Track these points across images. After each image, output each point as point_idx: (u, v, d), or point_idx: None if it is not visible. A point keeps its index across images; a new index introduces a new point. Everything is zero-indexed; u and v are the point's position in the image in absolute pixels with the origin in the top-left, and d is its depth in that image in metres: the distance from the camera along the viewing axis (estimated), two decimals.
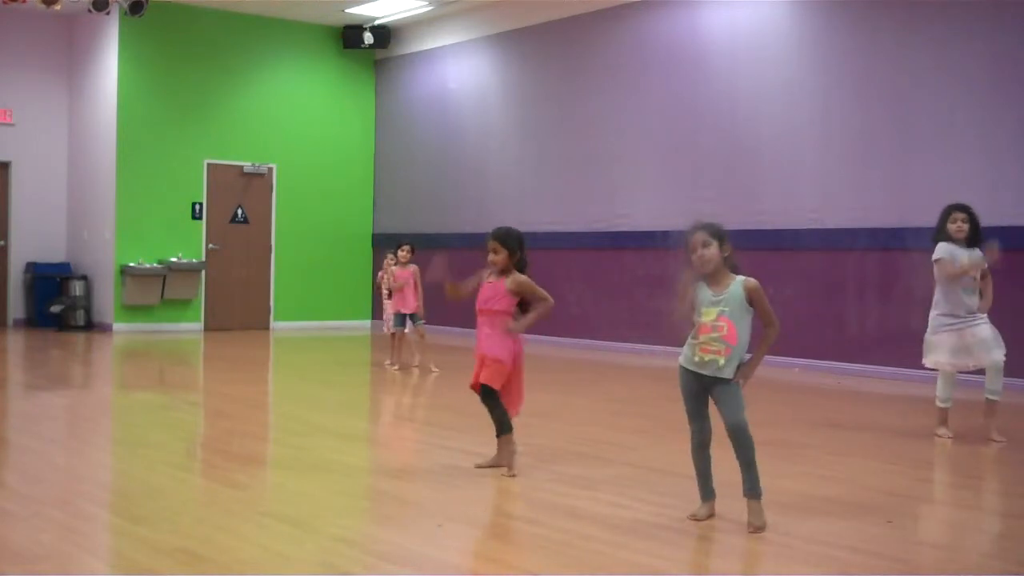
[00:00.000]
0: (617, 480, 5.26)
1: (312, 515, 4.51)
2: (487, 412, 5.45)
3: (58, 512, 4.57)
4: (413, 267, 9.97)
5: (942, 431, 6.73)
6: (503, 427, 5.36)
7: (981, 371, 6.69)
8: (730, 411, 4.30)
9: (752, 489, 4.33)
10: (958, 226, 6.55)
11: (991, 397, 6.60)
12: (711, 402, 4.42)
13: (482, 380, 5.32)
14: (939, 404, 6.77)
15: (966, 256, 6.52)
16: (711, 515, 4.48)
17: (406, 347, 10.25)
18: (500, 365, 5.30)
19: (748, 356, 4.34)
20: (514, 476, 5.25)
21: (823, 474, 5.56)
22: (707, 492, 4.51)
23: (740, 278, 4.32)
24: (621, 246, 12.39)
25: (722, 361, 4.28)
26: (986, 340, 6.50)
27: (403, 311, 10.00)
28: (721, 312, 4.28)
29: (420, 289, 9.93)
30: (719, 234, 4.34)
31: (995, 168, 9.32)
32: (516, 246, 5.34)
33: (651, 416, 7.67)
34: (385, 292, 10.32)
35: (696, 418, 4.45)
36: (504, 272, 5.35)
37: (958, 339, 6.53)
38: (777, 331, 4.31)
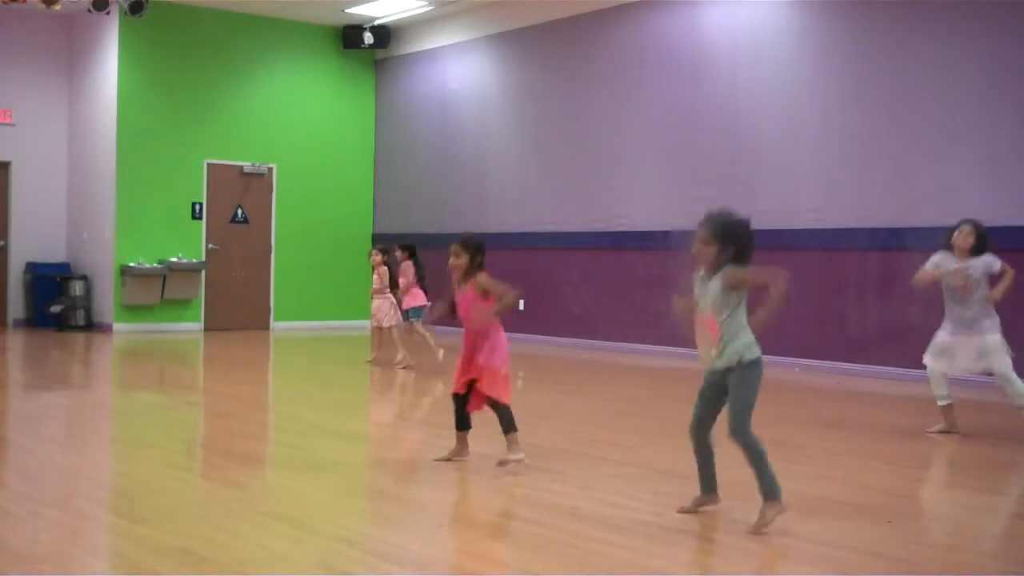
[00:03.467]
0: (617, 480, 5.26)
1: (312, 515, 4.51)
2: (454, 412, 5.63)
3: (58, 512, 4.57)
4: (404, 265, 10.33)
5: (941, 427, 6.78)
6: (512, 426, 5.45)
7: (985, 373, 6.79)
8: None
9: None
10: (963, 237, 6.65)
11: (1022, 402, 6.58)
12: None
13: (488, 393, 5.41)
14: (940, 403, 6.80)
15: (953, 264, 6.64)
16: (699, 508, 4.55)
17: (399, 342, 10.31)
18: (499, 374, 5.44)
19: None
20: (514, 461, 5.36)
21: (823, 474, 5.56)
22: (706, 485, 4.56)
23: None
24: (621, 246, 12.39)
25: (713, 352, 4.36)
26: (990, 349, 6.54)
27: (413, 305, 10.17)
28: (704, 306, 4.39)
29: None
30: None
31: (995, 168, 9.32)
32: (476, 251, 5.56)
33: (651, 416, 7.67)
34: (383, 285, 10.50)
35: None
36: (466, 276, 5.54)
37: (964, 345, 6.60)
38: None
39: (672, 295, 4.58)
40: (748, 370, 4.30)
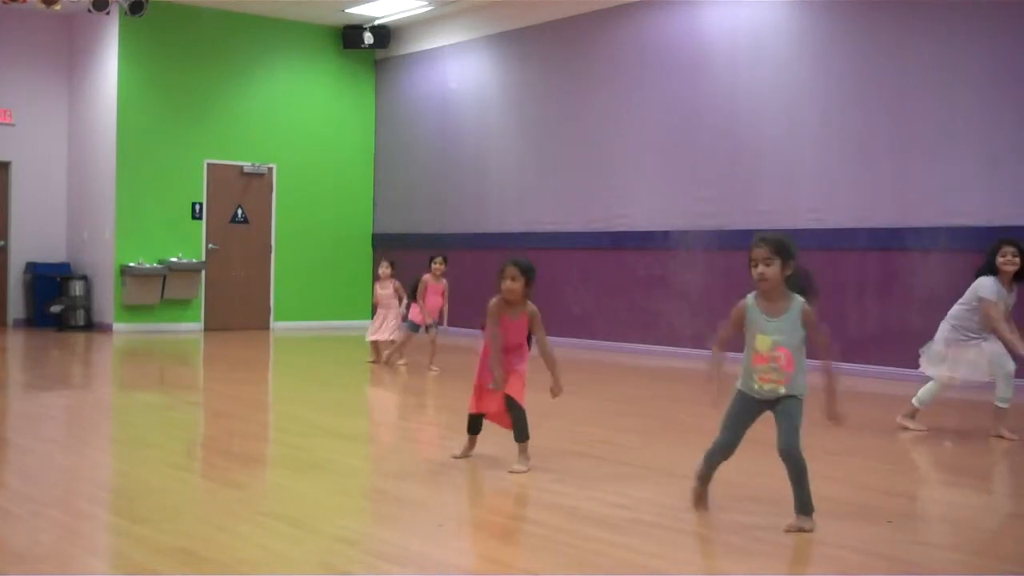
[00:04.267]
0: (617, 480, 5.26)
1: (312, 515, 4.51)
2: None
3: (58, 512, 4.57)
4: (445, 281, 10.03)
5: (912, 424, 6.82)
6: (525, 434, 5.49)
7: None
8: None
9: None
10: (1008, 259, 6.51)
11: (1001, 405, 6.61)
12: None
13: (510, 392, 5.45)
14: (917, 404, 6.84)
15: (1004, 302, 6.54)
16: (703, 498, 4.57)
17: (402, 344, 10.30)
18: (519, 373, 5.51)
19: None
20: (521, 472, 5.35)
21: (823, 474, 5.55)
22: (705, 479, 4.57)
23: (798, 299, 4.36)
24: (621, 246, 12.39)
25: (782, 389, 4.34)
26: (998, 352, 6.58)
27: (421, 321, 9.98)
28: (777, 342, 4.30)
29: (447, 301, 10.05)
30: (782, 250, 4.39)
31: (995, 168, 9.32)
32: (534, 279, 5.51)
33: (651, 416, 7.67)
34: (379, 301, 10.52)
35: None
36: (516, 303, 5.47)
37: (976, 352, 6.57)
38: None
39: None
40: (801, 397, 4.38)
